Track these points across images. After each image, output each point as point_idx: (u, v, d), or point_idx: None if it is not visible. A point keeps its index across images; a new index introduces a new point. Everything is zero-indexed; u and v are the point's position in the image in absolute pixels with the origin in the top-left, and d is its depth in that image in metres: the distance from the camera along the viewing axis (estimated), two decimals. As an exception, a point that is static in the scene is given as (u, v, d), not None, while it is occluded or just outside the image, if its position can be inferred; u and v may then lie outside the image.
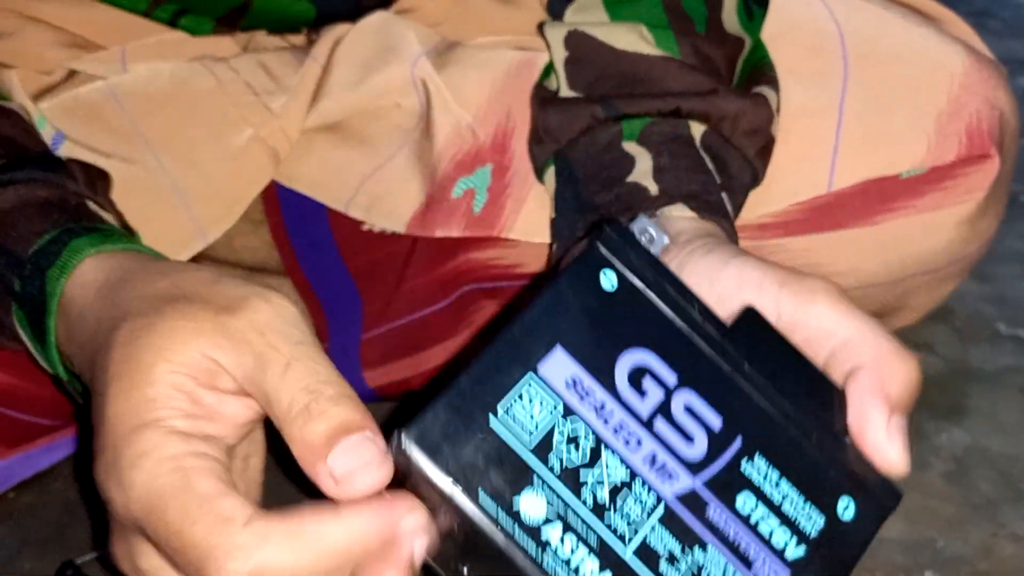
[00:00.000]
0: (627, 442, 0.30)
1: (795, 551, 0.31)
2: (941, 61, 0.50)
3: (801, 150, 0.49)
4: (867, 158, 0.49)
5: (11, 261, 0.38)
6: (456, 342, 0.59)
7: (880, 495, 0.32)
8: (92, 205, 0.42)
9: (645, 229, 0.37)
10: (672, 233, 0.39)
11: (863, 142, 0.49)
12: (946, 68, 0.50)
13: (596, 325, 0.31)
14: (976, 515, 0.54)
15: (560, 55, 0.47)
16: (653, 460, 0.30)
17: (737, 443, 0.31)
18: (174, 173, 0.53)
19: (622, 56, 0.45)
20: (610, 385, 0.30)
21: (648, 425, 0.30)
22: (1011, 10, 1.28)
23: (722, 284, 0.36)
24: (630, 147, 0.43)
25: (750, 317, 0.33)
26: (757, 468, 0.31)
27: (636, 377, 0.31)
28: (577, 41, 0.46)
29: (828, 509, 0.31)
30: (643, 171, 0.42)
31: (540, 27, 0.50)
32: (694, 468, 0.31)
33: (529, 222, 0.51)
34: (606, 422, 0.30)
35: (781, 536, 0.31)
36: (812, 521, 0.31)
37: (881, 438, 0.33)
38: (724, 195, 0.42)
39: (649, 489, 0.30)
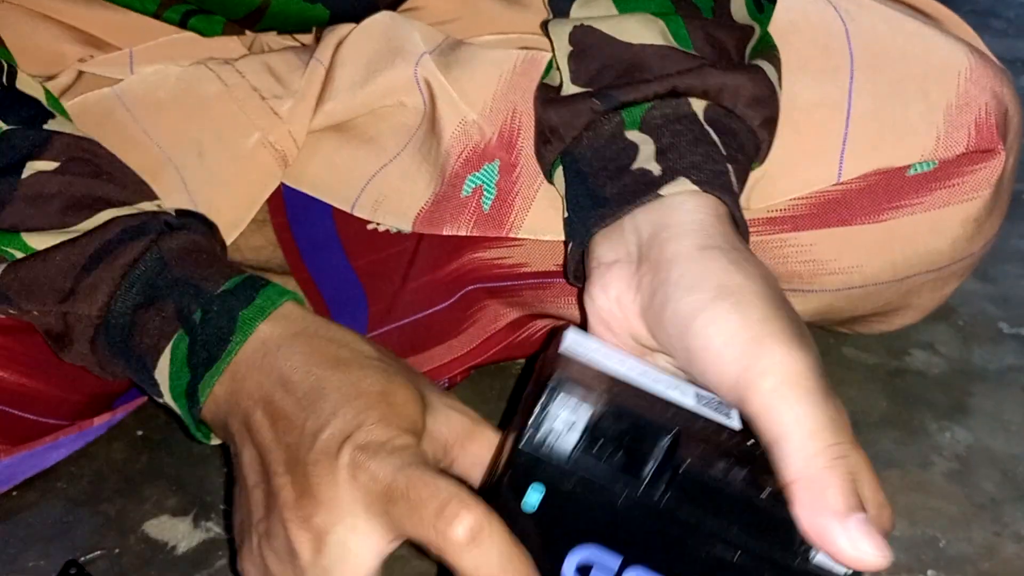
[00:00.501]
0: None
1: None
2: (948, 58, 0.50)
3: (811, 143, 0.49)
4: (877, 149, 0.49)
5: (197, 292, 0.42)
6: (460, 341, 0.59)
7: None
8: None
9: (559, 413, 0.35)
10: (669, 224, 0.39)
11: (873, 133, 0.49)
12: (953, 64, 0.50)
13: (535, 539, 0.34)
14: (979, 514, 0.54)
15: (564, 51, 0.47)
16: None
17: None
18: (185, 178, 0.53)
19: (625, 47, 0.45)
20: None
21: None
22: (1015, 9, 1.28)
23: (689, 340, 0.37)
24: (633, 135, 0.43)
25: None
26: None
27: (584, 572, 0.33)
28: (582, 35, 0.46)
29: None
30: (647, 155, 0.42)
31: (544, 25, 0.50)
32: None
33: (538, 220, 0.51)
34: None
35: None
36: None
37: (849, 550, 0.33)
38: (730, 168, 0.42)
39: None
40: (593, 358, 0.37)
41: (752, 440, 0.35)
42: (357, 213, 0.54)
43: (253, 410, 0.40)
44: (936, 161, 0.49)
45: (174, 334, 0.41)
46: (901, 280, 0.54)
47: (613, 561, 0.34)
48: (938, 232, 0.52)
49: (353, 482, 0.36)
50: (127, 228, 0.43)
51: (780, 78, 0.47)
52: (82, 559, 0.50)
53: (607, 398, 0.35)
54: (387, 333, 0.57)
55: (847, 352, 0.67)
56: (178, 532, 0.53)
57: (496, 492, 0.34)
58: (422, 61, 0.53)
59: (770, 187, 0.49)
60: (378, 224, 0.55)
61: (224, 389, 0.41)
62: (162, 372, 0.42)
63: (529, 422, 0.34)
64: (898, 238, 0.52)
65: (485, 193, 0.52)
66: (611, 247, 0.41)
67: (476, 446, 0.41)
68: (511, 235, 0.52)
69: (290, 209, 0.59)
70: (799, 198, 0.50)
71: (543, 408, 0.34)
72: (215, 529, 0.53)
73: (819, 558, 0.33)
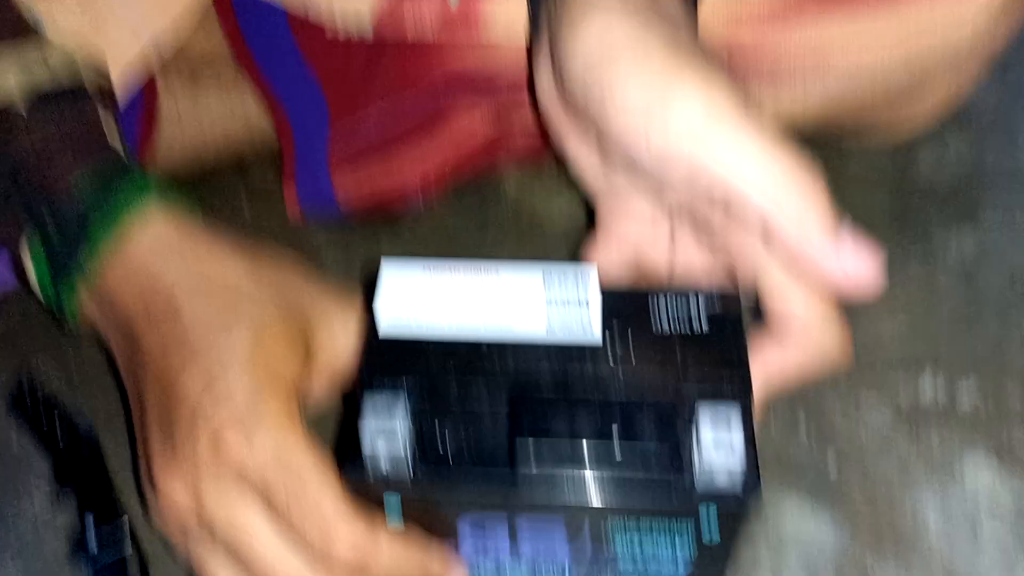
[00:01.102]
0: (510, 552, 0.35)
1: (682, 540, 0.33)
2: None
3: None
4: None
5: (45, 199, 0.39)
6: (429, 148, 0.55)
7: (738, 497, 0.30)
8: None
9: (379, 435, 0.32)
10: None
11: None
12: None
13: (419, 519, 0.34)
14: (982, 315, 0.52)
15: None
16: (537, 553, 0.35)
17: (585, 524, 0.33)
18: None
19: None
20: (465, 539, 0.34)
21: (513, 541, 0.34)
22: None
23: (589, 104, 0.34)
24: None
25: None
26: (615, 525, 0.33)
27: (478, 526, 0.34)
28: None
29: (692, 517, 0.32)
30: None
31: None
32: (568, 543, 0.34)
33: (509, 23, 0.47)
34: (486, 553, 0.35)
35: (666, 540, 0.33)
36: (684, 524, 0.32)
37: (842, 267, 0.31)
38: None
39: (550, 564, 0.36)
40: (412, 326, 0.32)
41: (617, 351, 0.32)
42: (311, 16, 0.49)
43: (123, 341, 0.38)
44: None
45: (27, 234, 0.39)
46: (915, 77, 0.50)
47: (500, 514, 0.33)
48: (958, 23, 0.47)
49: (214, 449, 0.33)
50: None
51: None
52: (34, 374, 0.48)
53: (431, 387, 0.31)
54: (352, 136, 0.53)
55: (853, 169, 0.63)
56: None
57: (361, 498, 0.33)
58: None
59: None
60: (336, 27, 0.50)
61: (90, 303, 0.39)
62: (29, 271, 0.40)
63: (353, 449, 0.31)
64: (914, 30, 0.47)
65: None
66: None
67: None
68: (481, 38, 0.47)
69: (242, 19, 0.54)
70: None
71: (363, 430, 0.31)
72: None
73: (699, 477, 0.30)
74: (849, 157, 0.63)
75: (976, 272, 0.54)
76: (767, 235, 0.33)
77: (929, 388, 0.48)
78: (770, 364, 0.35)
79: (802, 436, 0.46)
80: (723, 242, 0.37)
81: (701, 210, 0.36)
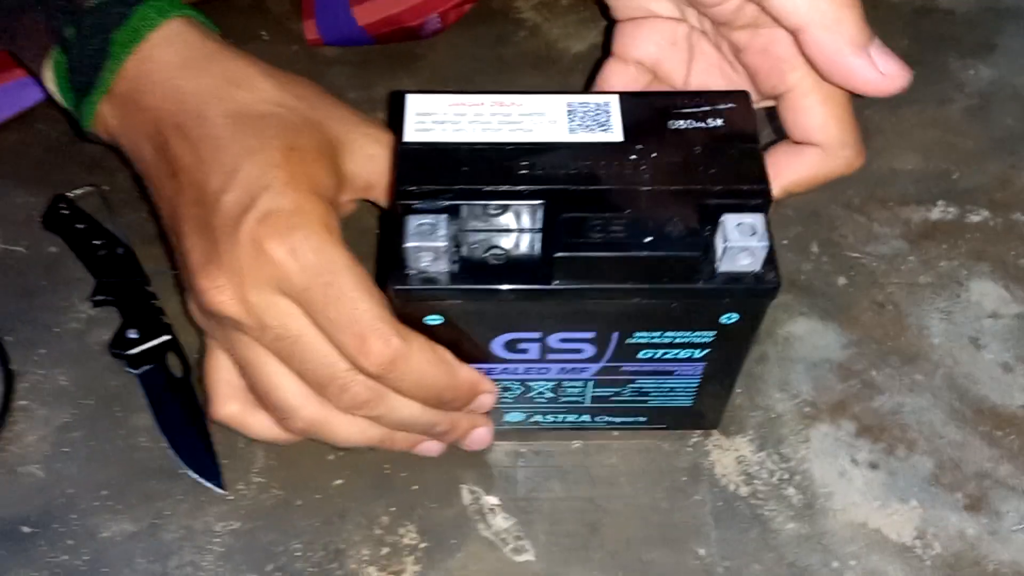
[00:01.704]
0: (538, 372, 0.37)
1: (700, 352, 0.36)
2: None
3: None
4: None
5: (64, 7, 0.39)
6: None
7: (755, 293, 0.33)
8: None
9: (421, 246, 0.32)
10: None
11: None
12: None
13: (457, 338, 0.35)
14: (995, 148, 0.52)
15: None
16: (563, 370, 0.37)
17: (614, 336, 0.35)
18: None
19: None
20: (498, 360, 0.37)
21: (542, 360, 0.37)
22: None
23: None
24: None
25: None
26: (639, 337, 0.35)
27: (511, 346, 0.36)
28: None
29: (714, 326, 0.35)
30: None
31: None
32: (593, 360, 0.37)
33: None
34: (515, 372, 0.37)
35: (685, 353, 0.36)
36: (704, 336, 0.35)
37: (877, 73, 0.35)
38: None
39: (574, 380, 0.38)
40: (440, 136, 0.33)
41: (639, 146, 0.33)
42: None
43: (151, 153, 0.38)
44: None
45: (51, 48, 0.39)
46: None
47: (534, 334, 0.35)
48: None
49: (257, 259, 0.34)
50: None
51: None
52: (71, 194, 0.49)
53: (466, 191, 0.32)
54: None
55: (870, -8, 0.62)
56: (167, 171, 0.52)
57: (408, 319, 0.34)
58: None
59: None
60: None
61: (113, 117, 0.39)
62: (50, 84, 0.40)
63: (396, 268, 0.32)
64: None
65: None
66: None
67: None
68: None
69: None
70: None
71: (406, 249, 0.31)
72: (205, 168, 0.52)
73: (723, 265, 0.32)
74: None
75: (989, 105, 0.55)
76: (800, 38, 0.34)
77: (939, 216, 0.50)
78: (790, 170, 0.37)
79: (814, 262, 0.48)
80: (746, 58, 0.37)
81: (728, 20, 0.36)
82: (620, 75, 0.42)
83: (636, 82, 0.42)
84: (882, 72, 0.35)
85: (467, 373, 0.37)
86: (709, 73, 0.41)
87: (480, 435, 0.40)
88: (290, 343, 0.35)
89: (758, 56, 0.38)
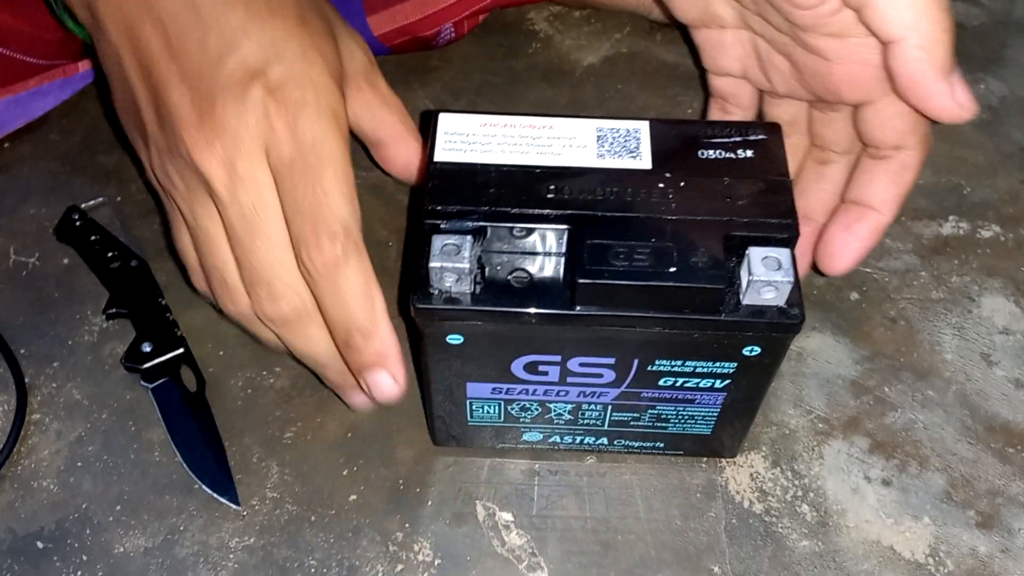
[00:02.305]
0: (557, 394, 0.37)
1: (721, 383, 0.36)
2: None
3: None
4: None
5: None
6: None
7: (778, 328, 0.32)
8: None
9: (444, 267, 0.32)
10: None
11: None
12: None
13: (477, 359, 0.35)
14: (1006, 162, 0.53)
15: None
16: (582, 394, 0.37)
17: (635, 363, 0.35)
18: None
19: None
20: (516, 380, 0.36)
21: (562, 383, 0.36)
22: None
23: None
24: None
25: None
26: (660, 365, 0.35)
27: (531, 368, 0.35)
28: None
29: (736, 358, 0.34)
30: None
31: None
32: (614, 384, 0.36)
33: None
34: (534, 393, 0.37)
35: (706, 382, 0.36)
36: (725, 367, 0.35)
37: (953, 102, 0.36)
38: None
39: (593, 404, 0.38)
40: (469, 156, 0.33)
41: (667, 174, 0.33)
42: None
43: (136, 17, 0.36)
44: None
45: None
46: None
47: (554, 358, 0.35)
48: None
49: (261, 126, 0.34)
50: None
51: None
52: (84, 206, 0.49)
53: (493, 212, 0.32)
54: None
55: (880, 4, 0.62)
56: (180, 183, 0.52)
57: (428, 340, 0.35)
58: None
59: None
60: None
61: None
62: None
63: (420, 277, 0.32)
64: None
65: None
66: None
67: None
68: None
69: None
70: None
71: (428, 262, 0.31)
72: (217, 180, 0.52)
73: (747, 298, 0.32)
74: None
75: (999, 119, 0.55)
76: (891, 50, 0.34)
77: (950, 231, 0.50)
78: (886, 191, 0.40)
79: (827, 276, 0.48)
80: (834, 67, 0.38)
81: (816, 25, 0.37)
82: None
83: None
84: (958, 102, 0.36)
85: (386, 333, 0.36)
86: (784, 81, 0.43)
87: (359, 402, 0.40)
88: (250, 226, 0.35)
89: (855, 66, 0.38)
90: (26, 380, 0.43)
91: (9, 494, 0.40)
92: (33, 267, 0.48)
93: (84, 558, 0.39)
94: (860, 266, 0.48)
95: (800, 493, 0.41)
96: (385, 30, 0.54)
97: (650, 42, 0.59)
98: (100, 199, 0.50)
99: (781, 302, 0.32)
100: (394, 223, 0.50)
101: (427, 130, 0.35)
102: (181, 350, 0.44)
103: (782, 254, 0.31)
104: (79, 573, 0.38)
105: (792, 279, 0.31)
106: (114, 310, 0.45)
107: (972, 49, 0.59)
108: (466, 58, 0.58)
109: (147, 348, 0.43)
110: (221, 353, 0.45)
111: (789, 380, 0.44)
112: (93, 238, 0.48)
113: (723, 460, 0.42)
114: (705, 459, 0.42)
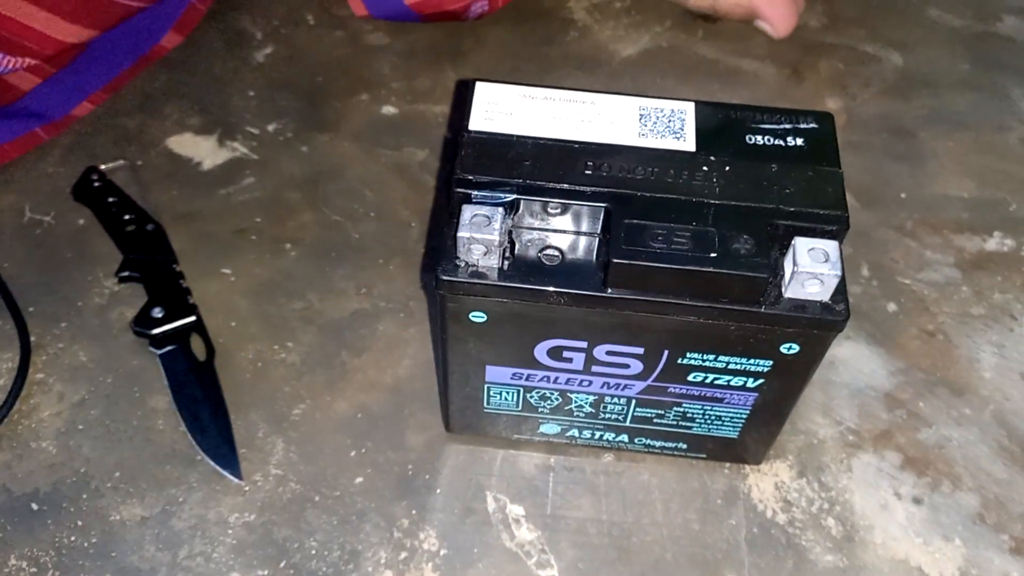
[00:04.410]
0: (580, 384, 0.36)
1: (754, 382, 0.34)
2: None
3: None
4: None
5: None
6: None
7: (821, 325, 0.30)
8: None
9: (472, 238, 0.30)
10: None
11: None
12: None
13: (499, 340, 0.34)
14: (1054, 180, 0.51)
15: None
16: (606, 385, 0.35)
17: (665, 354, 0.33)
18: None
19: None
20: (539, 366, 0.35)
21: (586, 372, 0.35)
22: None
23: None
24: None
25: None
26: (691, 359, 0.33)
27: (555, 353, 0.34)
28: None
29: (772, 355, 0.32)
30: None
31: None
32: (640, 377, 0.35)
33: None
34: (556, 381, 0.36)
35: (738, 380, 0.34)
36: (760, 364, 0.33)
37: None
38: None
39: (616, 397, 0.36)
40: (505, 127, 0.32)
41: (711, 157, 0.31)
42: None
43: None
44: None
45: None
46: None
47: (580, 343, 0.33)
48: None
49: None
50: None
51: None
52: (103, 167, 0.48)
53: (527, 186, 0.30)
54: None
55: (932, 13, 0.60)
56: (202, 150, 0.50)
57: (451, 317, 0.33)
58: None
59: None
60: None
61: None
62: None
63: (448, 256, 0.31)
64: None
65: None
66: None
67: None
68: None
69: None
70: None
71: (456, 231, 0.30)
72: (241, 149, 0.51)
73: (790, 290, 0.30)
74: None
75: (1051, 136, 0.53)
76: None
77: (995, 247, 0.48)
78: None
79: (864, 285, 0.46)
80: None
81: None
82: None
83: None
84: None
85: None
86: None
87: None
88: None
89: None
90: (32, 339, 0.42)
91: (7, 453, 0.39)
92: (48, 226, 0.47)
93: (79, 523, 0.37)
94: (898, 277, 0.46)
95: (826, 506, 0.39)
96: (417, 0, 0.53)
97: (691, 36, 0.58)
98: (120, 161, 0.48)
99: (826, 297, 0.30)
100: (417, 204, 0.48)
101: (463, 99, 0.33)
102: (193, 318, 0.42)
103: (830, 246, 0.29)
104: (72, 538, 0.37)
105: (839, 273, 0.29)
106: (127, 273, 0.44)
107: (1021, 62, 0.57)
108: (500, 42, 0.57)
109: (158, 313, 0.42)
110: (233, 324, 0.43)
111: (819, 388, 0.42)
112: (111, 200, 0.46)
113: (746, 466, 0.40)
114: (728, 464, 0.40)
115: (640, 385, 0.35)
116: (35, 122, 0.48)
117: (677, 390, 0.35)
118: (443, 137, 0.52)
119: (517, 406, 0.37)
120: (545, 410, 0.37)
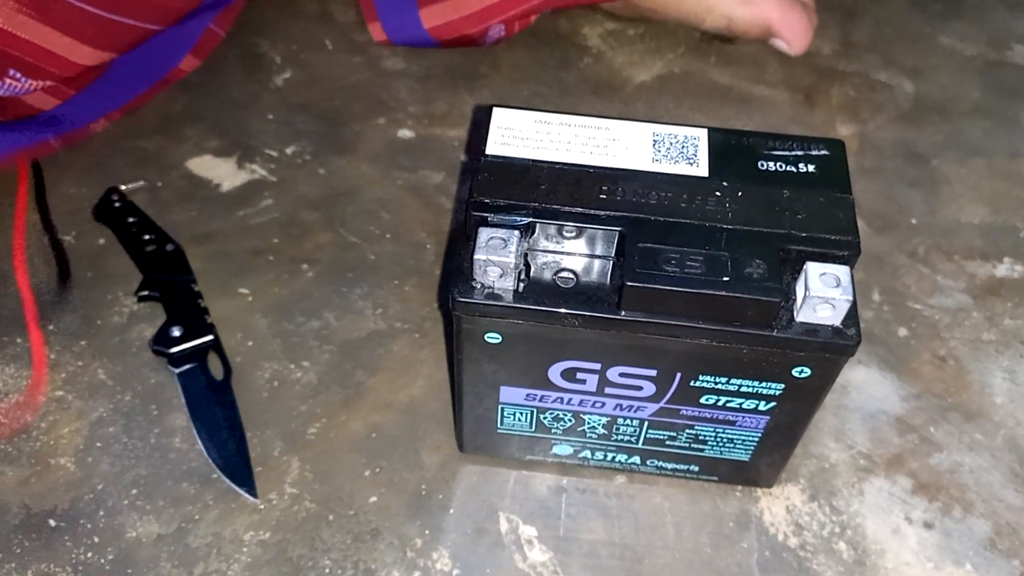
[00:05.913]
0: (593, 405, 0.36)
1: (766, 405, 0.34)
2: None
3: None
4: None
5: None
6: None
7: (833, 349, 0.31)
8: None
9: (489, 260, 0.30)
10: None
11: None
12: None
13: (513, 361, 0.34)
14: (1066, 207, 0.51)
15: None
16: (619, 407, 0.36)
17: (677, 377, 0.34)
18: None
19: None
20: (552, 387, 0.35)
21: (599, 393, 0.35)
22: None
23: None
24: None
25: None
26: (704, 381, 0.34)
27: (569, 374, 0.34)
28: None
29: (784, 379, 0.33)
30: None
31: None
32: (653, 399, 0.35)
33: None
34: (569, 403, 0.36)
35: (750, 403, 0.34)
36: (772, 387, 0.33)
37: None
38: None
39: (629, 418, 0.36)
40: (521, 152, 0.33)
41: (724, 183, 0.32)
42: None
43: None
44: None
45: None
46: None
47: (594, 365, 0.34)
48: None
49: None
50: None
51: None
52: (123, 188, 0.49)
53: (542, 209, 0.31)
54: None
55: (944, 41, 0.61)
56: (221, 171, 0.51)
57: (466, 338, 0.33)
58: None
59: None
60: None
61: None
62: None
63: (463, 278, 0.31)
64: None
65: None
66: None
67: None
68: None
69: None
70: None
71: (473, 253, 0.30)
72: (260, 171, 0.51)
73: (802, 314, 0.30)
74: (942, 24, 0.61)
75: (1062, 163, 0.53)
76: None
77: (1005, 273, 0.48)
78: None
79: (875, 310, 0.46)
80: None
81: None
82: None
83: None
84: None
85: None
86: None
87: None
88: None
89: None
90: (51, 356, 0.43)
91: (25, 469, 0.40)
92: (68, 245, 0.47)
93: (96, 540, 0.38)
94: (910, 302, 0.46)
95: (838, 530, 0.39)
96: (436, 23, 0.54)
97: (704, 63, 0.58)
98: (140, 183, 0.49)
99: (837, 321, 0.30)
100: (433, 226, 0.49)
101: (481, 125, 0.34)
102: (211, 337, 0.43)
103: (841, 271, 0.30)
104: (89, 554, 0.37)
105: (851, 297, 0.29)
106: (146, 292, 0.45)
107: (1035, 91, 0.58)
108: (516, 67, 0.57)
109: (176, 332, 0.43)
110: (250, 343, 0.44)
111: (831, 413, 0.42)
112: (131, 220, 0.47)
113: (758, 490, 0.40)
114: (740, 487, 0.40)
115: (653, 407, 0.35)
116: (49, 132, 0.49)
117: (689, 412, 0.35)
118: (459, 160, 0.52)
119: (530, 427, 0.38)
120: (558, 431, 0.38)
